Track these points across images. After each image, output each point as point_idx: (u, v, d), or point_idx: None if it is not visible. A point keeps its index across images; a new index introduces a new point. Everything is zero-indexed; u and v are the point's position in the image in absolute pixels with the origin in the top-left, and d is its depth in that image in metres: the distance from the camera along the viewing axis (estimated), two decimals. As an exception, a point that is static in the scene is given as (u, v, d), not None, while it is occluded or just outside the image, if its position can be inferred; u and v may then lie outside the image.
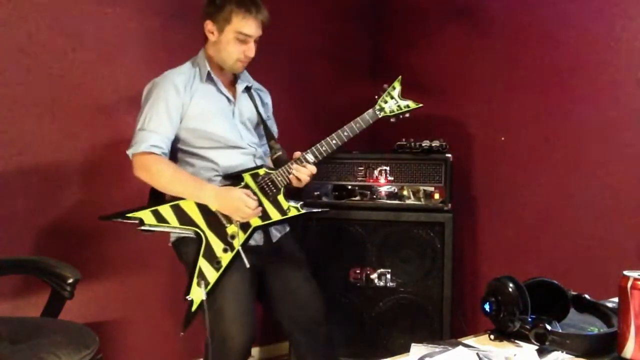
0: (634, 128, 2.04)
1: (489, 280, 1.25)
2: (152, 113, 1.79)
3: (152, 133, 1.77)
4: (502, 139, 2.51)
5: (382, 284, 2.39)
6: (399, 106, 1.86)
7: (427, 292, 2.37)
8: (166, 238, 2.51)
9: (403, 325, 2.39)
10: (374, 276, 2.41)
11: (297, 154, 1.84)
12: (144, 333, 2.52)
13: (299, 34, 2.90)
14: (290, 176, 1.80)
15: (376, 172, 2.44)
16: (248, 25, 1.81)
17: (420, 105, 1.87)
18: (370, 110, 1.86)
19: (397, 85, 1.87)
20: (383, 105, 1.86)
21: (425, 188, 2.42)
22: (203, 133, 1.84)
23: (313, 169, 1.82)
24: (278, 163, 1.87)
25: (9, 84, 2.16)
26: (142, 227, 1.77)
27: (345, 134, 1.82)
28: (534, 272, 1.39)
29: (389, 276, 2.39)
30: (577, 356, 1.09)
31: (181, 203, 1.79)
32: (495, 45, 2.54)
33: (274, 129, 2.10)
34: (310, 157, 1.82)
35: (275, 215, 1.83)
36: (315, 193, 2.48)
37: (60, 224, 2.28)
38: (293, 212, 1.83)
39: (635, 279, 1.06)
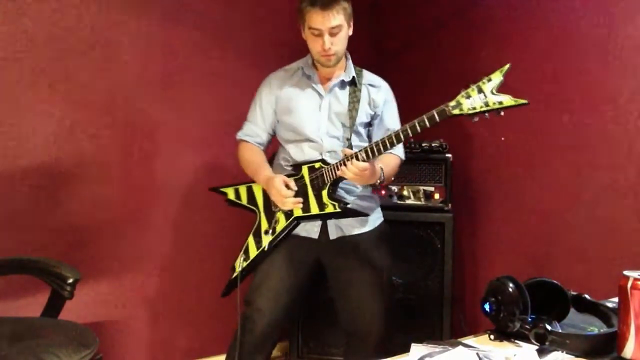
0: (635, 127, 2.04)
1: (489, 280, 1.25)
2: (252, 106, 2.04)
3: (248, 123, 2.03)
4: (502, 139, 2.51)
5: (382, 284, 2.39)
6: (486, 103, 1.52)
7: (427, 292, 2.37)
8: (165, 238, 2.52)
9: (403, 325, 2.39)
10: (374, 276, 2.41)
11: (347, 151, 1.77)
12: (144, 333, 2.52)
13: (299, 33, 2.90)
14: (339, 172, 1.77)
15: (376, 172, 2.44)
16: (314, 20, 1.82)
17: (524, 102, 1.48)
18: (442, 106, 1.59)
19: (495, 77, 1.52)
20: (462, 101, 1.56)
21: (425, 188, 2.42)
22: (284, 124, 1.97)
23: (360, 166, 1.71)
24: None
25: (9, 84, 2.16)
26: (227, 201, 2.06)
27: (405, 132, 1.66)
28: (534, 272, 1.39)
29: (389, 276, 2.39)
30: (577, 356, 1.09)
31: (253, 185, 2.01)
32: (495, 44, 2.54)
33: (390, 126, 1.97)
34: (362, 154, 1.72)
35: (314, 209, 1.85)
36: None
37: (60, 224, 2.28)
38: (329, 209, 1.83)
39: (635, 279, 1.06)
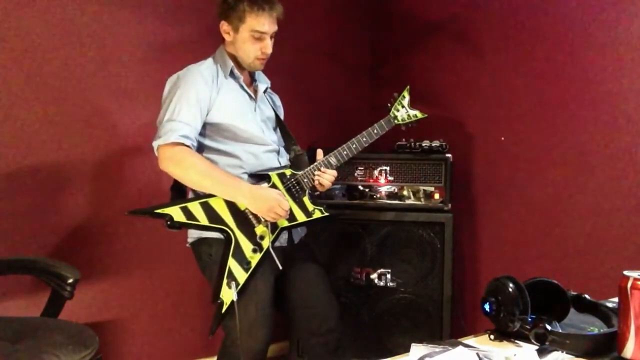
0: (634, 127, 2.04)
1: (489, 280, 1.25)
2: (182, 104, 1.71)
3: (183, 124, 1.69)
4: (502, 139, 2.51)
5: (382, 284, 2.39)
6: (408, 115, 2.01)
7: (427, 292, 2.37)
8: (165, 237, 2.52)
9: (403, 325, 2.39)
10: (374, 276, 2.41)
11: (320, 155, 1.88)
12: (144, 333, 2.52)
13: (299, 34, 2.90)
14: (316, 178, 1.86)
15: (376, 172, 2.44)
16: (262, 23, 1.79)
17: (425, 115, 2.03)
18: (386, 118, 1.98)
19: (406, 95, 2.01)
20: (396, 113, 1.99)
21: (425, 188, 2.42)
22: (229, 127, 1.80)
23: (335, 173, 1.90)
24: (298, 164, 1.89)
25: (9, 85, 2.16)
26: (171, 224, 1.66)
27: (364, 139, 1.92)
28: (534, 272, 1.39)
29: (389, 276, 2.39)
30: (577, 356, 1.09)
31: (210, 201, 1.71)
32: (496, 45, 2.54)
33: (285, 130, 2.09)
34: (333, 160, 1.89)
35: (300, 217, 1.84)
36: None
37: (60, 224, 2.28)
38: (317, 215, 1.87)
39: (635, 279, 1.06)
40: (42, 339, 1.60)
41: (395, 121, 1.98)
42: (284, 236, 1.88)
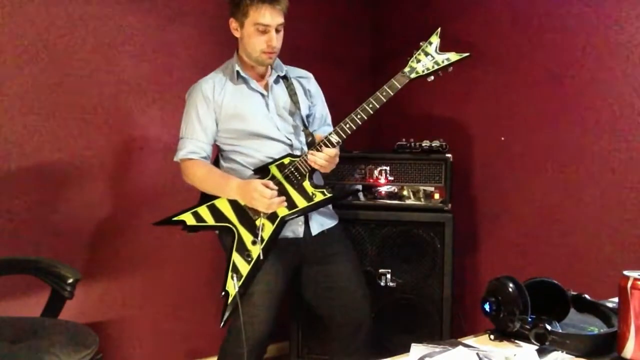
0: (634, 128, 2.04)
1: (489, 280, 1.25)
2: (187, 121, 1.90)
3: (188, 140, 1.88)
4: (502, 139, 2.51)
5: (382, 284, 2.39)
6: (436, 62, 1.74)
7: (427, 292, 2.37)
8: (165, 238, 2.52)
9: (403, 325, 2.39)
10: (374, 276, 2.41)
11: (319, 137, 1.84)
12: (144, 333, 2.52)
13: (299, 33, 2.90)
14: (309, 160, 1.79)
15: (376, 172, 2.44)
16: (263, 15, 1.79)
17: (466, 55, 1.71)
18: (398, 74, 1.74)
19: (434, 40, 1.72)
20: (414, 65, 1.74)
21: (425, 188, 2.41)
22: (239, 132, 1.88)
23: (331, 152, 1.77)
24: (309, 148, 1.87)
25: (8, 84, 2.16)
26: (185, 229, 1.87)
27: (371, 105, 1.74)
28: (534, 272, 1.39)
29: (389, 276, 2.39)
30: (577, 356, 1.09)
31: (216, 202, 1.87)
32: (496, 45, 2.54)
33: (324, 112, 2.08)
34: (334, 138, 1.77)
35: (301, 203, 1.82)
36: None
37: (60, 224, 2.28)
38: (319, 197, 1.82)
39: (635, 279, 1.06)
40: (42, 339, 1.60)
41: (414, 74, 1.73)
42: (300, 228, 1.89)
